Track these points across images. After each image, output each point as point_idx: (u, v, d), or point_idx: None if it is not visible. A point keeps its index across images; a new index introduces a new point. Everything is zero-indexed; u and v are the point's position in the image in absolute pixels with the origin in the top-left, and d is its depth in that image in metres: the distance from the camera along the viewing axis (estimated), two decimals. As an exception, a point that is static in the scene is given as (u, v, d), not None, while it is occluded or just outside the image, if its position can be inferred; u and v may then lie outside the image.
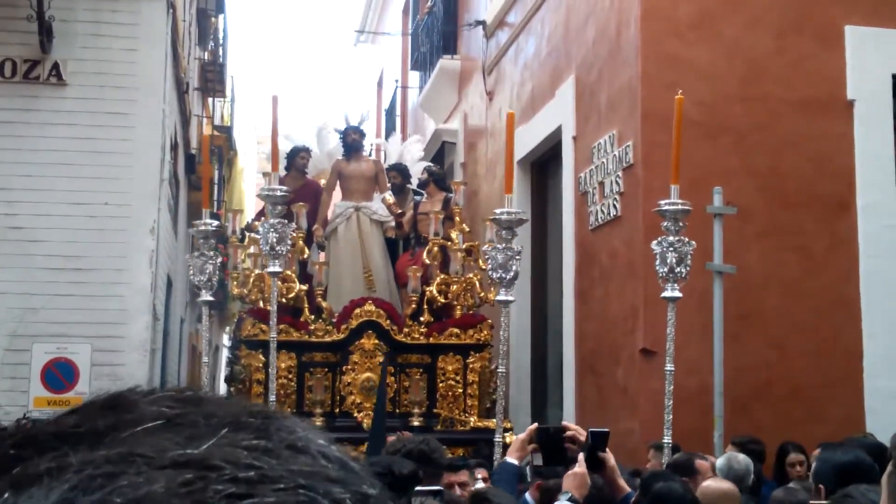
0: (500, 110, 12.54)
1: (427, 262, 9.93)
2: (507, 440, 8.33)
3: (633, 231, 8.23)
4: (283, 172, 10.73)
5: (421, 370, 9.65)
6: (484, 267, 9.84)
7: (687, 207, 5.28)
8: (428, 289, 9.79)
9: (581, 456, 3.77)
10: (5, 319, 9.55)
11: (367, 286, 10.46)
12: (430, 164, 12.35)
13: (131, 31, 10.25)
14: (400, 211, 10.88)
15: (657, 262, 5.39)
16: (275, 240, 6.03)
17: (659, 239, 5.31)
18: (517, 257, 4.88)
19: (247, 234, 10.41)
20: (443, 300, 9.82)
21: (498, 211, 4.91)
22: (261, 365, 9.20)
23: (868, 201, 8.08)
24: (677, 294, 5.38)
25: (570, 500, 3.66)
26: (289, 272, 9.35)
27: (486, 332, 9.77)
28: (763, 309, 7.94)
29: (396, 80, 20.41)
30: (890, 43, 8.28)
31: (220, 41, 21.01)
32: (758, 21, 8.25)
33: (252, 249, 9.92)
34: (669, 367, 5.51)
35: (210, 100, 20.66)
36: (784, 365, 7.89)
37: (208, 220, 6.79)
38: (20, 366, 9.51)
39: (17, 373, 9.50)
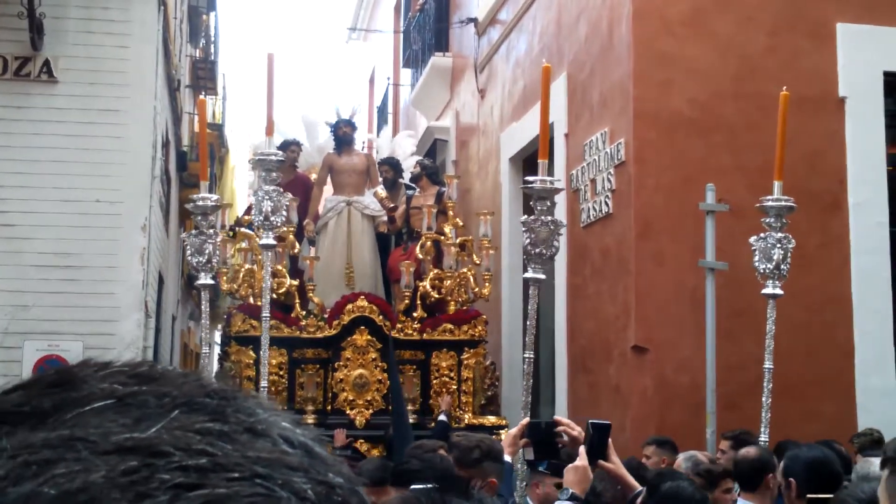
0: (491, 108, 12.55)
1: (420, 256, 9.87)
2: (502, 437, 8.38)
3: (625, 228, 8.24)
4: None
5: (414, 366, 9.60)
6: (478, 262, 9.83)
7: (791, 204, 5.20)
8: (421, 284, 9.73)
9: (582, 449, 3.70)
10: (-4, 317, 9.53)
11: (347, 282, 10.40)
12: (423, 158, 12.32)
13: (122, 29, 10.24)
14: (392, 205, 10.84)
15: (756, 259, 5.25)
16: (269, 209, 5.29)
17: (763, 235, 5.21)
18: (560, 232, 4.64)
19: (237, 229, 10.37)
20: (436, 295, 9.76)
21: (530, 179, 4.68)
22: (251, 361, 9.15)
23: (860, 199, 8.10)
24: (779, 291, 5.33)
25: (570, 497, 3.59)
26: (279, 267, 9.29)
27: (480, 328, 9.71)
28: (755, 306, 7.93)
29: (388, 78, 20.41)
30: (881, 40, 8.30)
31: (212, 39, 20.99)
32: (750, 19, 8.26)
33: (242, 244, 9.88)
34: (769, 364, 5.62)
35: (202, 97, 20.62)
36: (776, 362, 7.86)
37: (206, 195, 5.83)
38: (12, 363, 9.49)
39: (8, 370, 9.47)
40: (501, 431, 8.81)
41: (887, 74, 8.33)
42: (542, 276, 4.67)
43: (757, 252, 5.22)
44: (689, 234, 7.75)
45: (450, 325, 9.64)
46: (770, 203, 5.21)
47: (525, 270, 11.66)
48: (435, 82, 15.10)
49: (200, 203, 5.71)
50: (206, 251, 5.64)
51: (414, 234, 10.43)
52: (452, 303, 9.76)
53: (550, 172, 10.37)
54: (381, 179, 11.01)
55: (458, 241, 9.88)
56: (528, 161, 11.51)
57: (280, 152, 5.97)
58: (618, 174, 8.43)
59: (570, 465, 3.69)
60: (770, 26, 8.27)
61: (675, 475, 4.05)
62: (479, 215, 10.12)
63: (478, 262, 9.79)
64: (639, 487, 3.82)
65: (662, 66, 8.14)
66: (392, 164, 11.23)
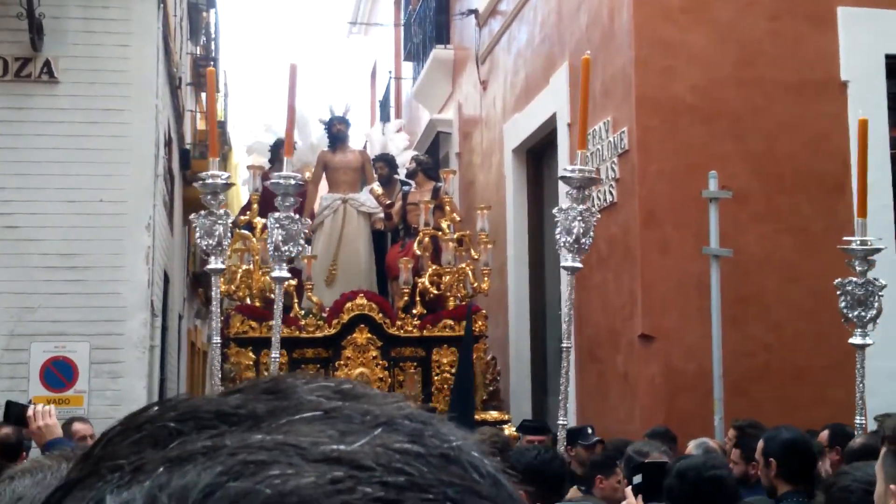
0: (494, 99, 12.52)
1: (418, 253, 9.80)
2: (507, 432, 8.36)
3: (630, 217, 8.22)
4: (267, 165, 10.65)
5: (415, 363, 9.53)
6: (476, 256, 9.78)
7: (880, 245, 4.81)
8: (420, 280, 9.66)
9: (628, 490, 3.53)
10: (3, 319, 9.54)
11: (327, 280, 10.35)
12: (418, 153, 12.26)
13: (122, 27, 10.23)
14: (388, 202, 10.80)
15: (843, 304, 4.77)
16: (280, 238, 4.79)
17: (853, 279, 4.75)
18: (595, 222, 4.59)
19: (234, 229, 10.28)
20: (435, 291, 9.70)
21: (568, 168, 4.62)
22: (251, 363, 9.11)
23: (864, 182, 8.07)
24: (869, 342, 4.80)
25: None
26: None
27: (480, 323, 9.63)
28: (761, 292, 7.94)
29: (390, 71, 20.39)
30: (882, 23, 8.26)
31: (212, 36, 21.00)
32: (750, 4, 8.24)
33: (238, 245, 9.81)
34: (859, 420, 5.05)
35: (203, 95, 20.63)
36: (783, 347, 7.90)
37: (216, 172, 5.22)
38: (19, 365, 9.50)
39: (15, 372, 9.49)
40: (505, 427, 8.80)
41: (889, 57, 8.30)
42: (580, 266, 4.63)
43: (844, 297, 4.78)
44: (693, 222, 7.73)
45: (450, 321, 9.57)
46: (856, 246, 4.76)
47: (531, 261, 11.66)
48: (437, 75, 15.08)
49: (210, 181, 5.13)
50: (217, 233, 5.14)
51: (411, 230, 10.36)
52: (452, 298, 9.70)
53: (554, 162, 10.38)
54: (376, 176, 10.96)
55: (455, 236, 9.81)
56: (531, 152, 11.50)
57: (299, 175, 5.49)
58: (621, 163, 8.42)
59: None
60: (771, 11, 8.24)
61: (686, 455, 4.06)
62: (476, 209, 10.08)
63: (476, 256, 9.74)
64: None
65: (664, 53, 8.12)
66: (387, 161, 11.20)
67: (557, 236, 4.59)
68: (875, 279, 4.74)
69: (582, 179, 4.48)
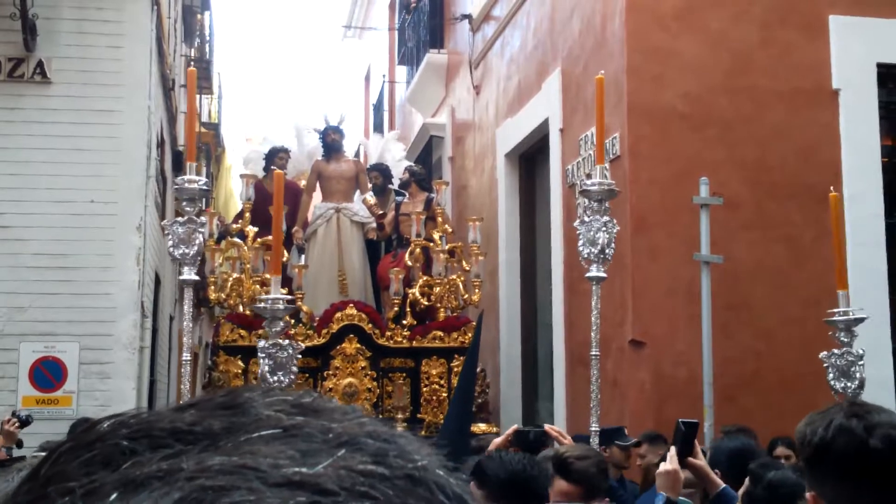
0: (486, 104, 12.54)
1: (409, 263, 9.78)
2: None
3: (621, 223, 8.17)
4: (261, 174, 10.69)
5: (404, 374, 9.50)
6: (467, 268, 9.77)
7: (862, 315, 4.82)
8: (410, 291, 9.63)
9: (672, 451, 3.53)
10: (-8, 318, 9.51)
11: (340, 290, 10.35)
12: (412, 164, 12.27)
13: (116, 29, 10.21)
14: (381, 212, 10.80)
15: (831, 376, 4.79)
16: (268, 369, 4.50)
17: (837, 351, 4.76)
18: (615, 236, 4.69)
19: (226, 236, 10.26)
20: (426, 302, 9.68)
21: (588, 182, 4.72)
22: (240, 371, 9.11)
23: (854, 191, 8.10)
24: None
25: (666, 502, 3.49)
26: (267, 276, 9.21)
27: (470, 335, 9.64)
28: (751, 299, 7.95)
29: (384, 75, 20.41)
30: (874, 32, 8.29)
31: (207, 38, 20.99)
32: (743, 12, 8.26)
33: (230, 253, 9.78)
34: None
35: (197, 97, 20.61)
36: (772, 355, 7.91)
37: (193, 177, 4.76)
38: (8, 365, 9.48)
39: (5, 372, 9.47)
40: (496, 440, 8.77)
41: (880, 66, 8.33)
42: (605, 276, 4.75)
43: (831, 369, 4.87)
44: (683, 228, 7.75)
45: (440, 333, 9.54)
46: (839, 317, 4.81)
47: (523, 266, 11.64)
48: (430, 79, 15.10)
49: (187, 186, 4.72)
50: (197, 242, 4.75)
51: (403, 240, 10.36)
52: (442, 310, 9.69)
53: (546, 168, 10.39)
54: (370, 186, 10.97)
55: (447, 247, 9.81)
56: (523, 157, 11.51)
57: (289, 297, 5.24)
58: (612, 169, 8.41)
59: (661, 469, 3.57)
60: (762, 20, 8.27)
61: (777, 464, 4.09)
62: (468, 221, 10.09)
63: (467, 268, 9.73)
64: (722, 485, 3.75)
65: (656, 60, 8.14)
66: (381, 170, 11.21)
67: (580, 248, 4.68)
68: (857, 350, 4.82)
69: (601, 192, 4.58)
